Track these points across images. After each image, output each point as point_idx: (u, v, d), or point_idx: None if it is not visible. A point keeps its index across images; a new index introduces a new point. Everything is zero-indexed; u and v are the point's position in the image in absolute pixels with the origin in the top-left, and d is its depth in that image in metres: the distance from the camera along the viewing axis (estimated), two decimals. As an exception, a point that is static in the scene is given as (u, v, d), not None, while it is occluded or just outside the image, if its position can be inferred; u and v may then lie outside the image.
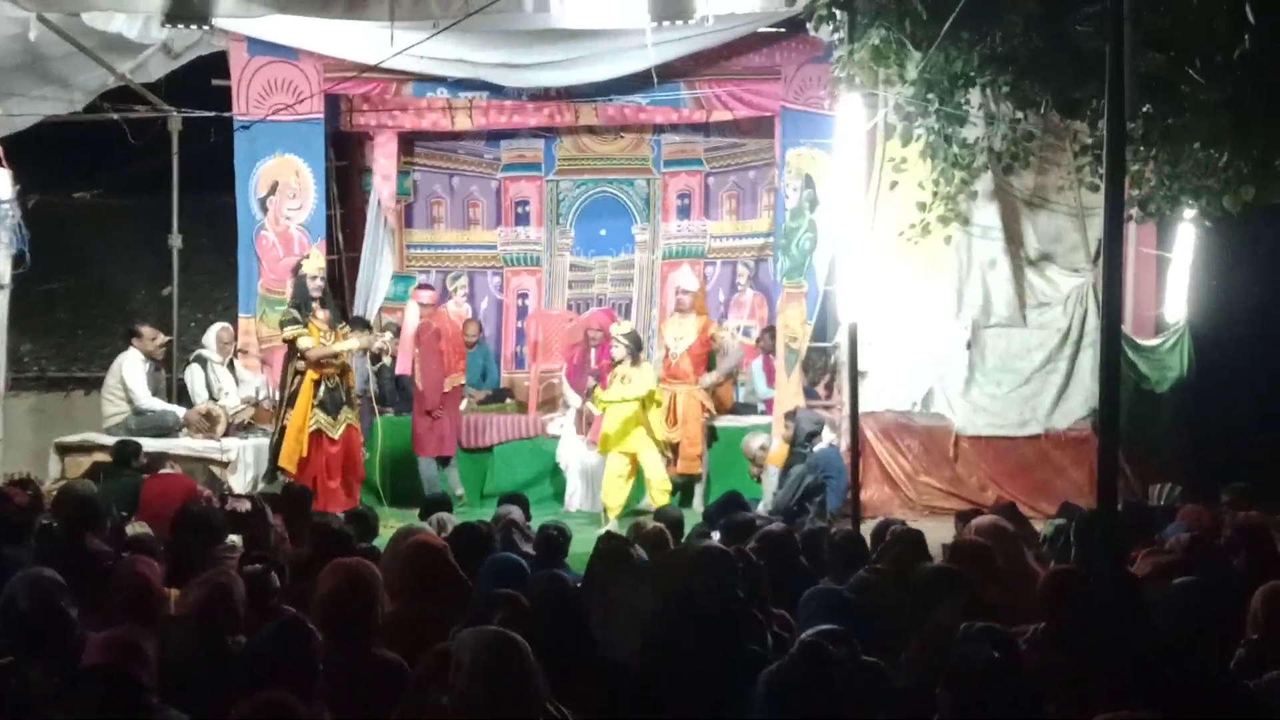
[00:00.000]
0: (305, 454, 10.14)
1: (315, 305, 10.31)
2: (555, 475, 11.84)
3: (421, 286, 12.74)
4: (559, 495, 11.68)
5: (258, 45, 11.81)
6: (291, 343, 10.21)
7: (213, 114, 12.14)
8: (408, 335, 11.86)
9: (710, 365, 11.88)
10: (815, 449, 10.08)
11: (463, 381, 11.94)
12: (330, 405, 10.25)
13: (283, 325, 10.36)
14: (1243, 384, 11.63)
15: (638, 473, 10.71)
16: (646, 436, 10.57)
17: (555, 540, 6.55)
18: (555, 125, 13.37)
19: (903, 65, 9.14)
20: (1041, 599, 5.11)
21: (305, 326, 10.19)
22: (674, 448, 11.25)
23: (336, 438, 10.26)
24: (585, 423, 11.42)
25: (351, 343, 10.29)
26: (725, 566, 5.11)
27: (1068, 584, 5.11)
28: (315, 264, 10.51)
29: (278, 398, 10.56)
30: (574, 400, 11.73)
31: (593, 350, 11.84)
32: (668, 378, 11.54)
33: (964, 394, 11.01)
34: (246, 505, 7.24)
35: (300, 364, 10.18)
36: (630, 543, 5.82)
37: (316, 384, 10.22)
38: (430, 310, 12.02)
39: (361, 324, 10.90)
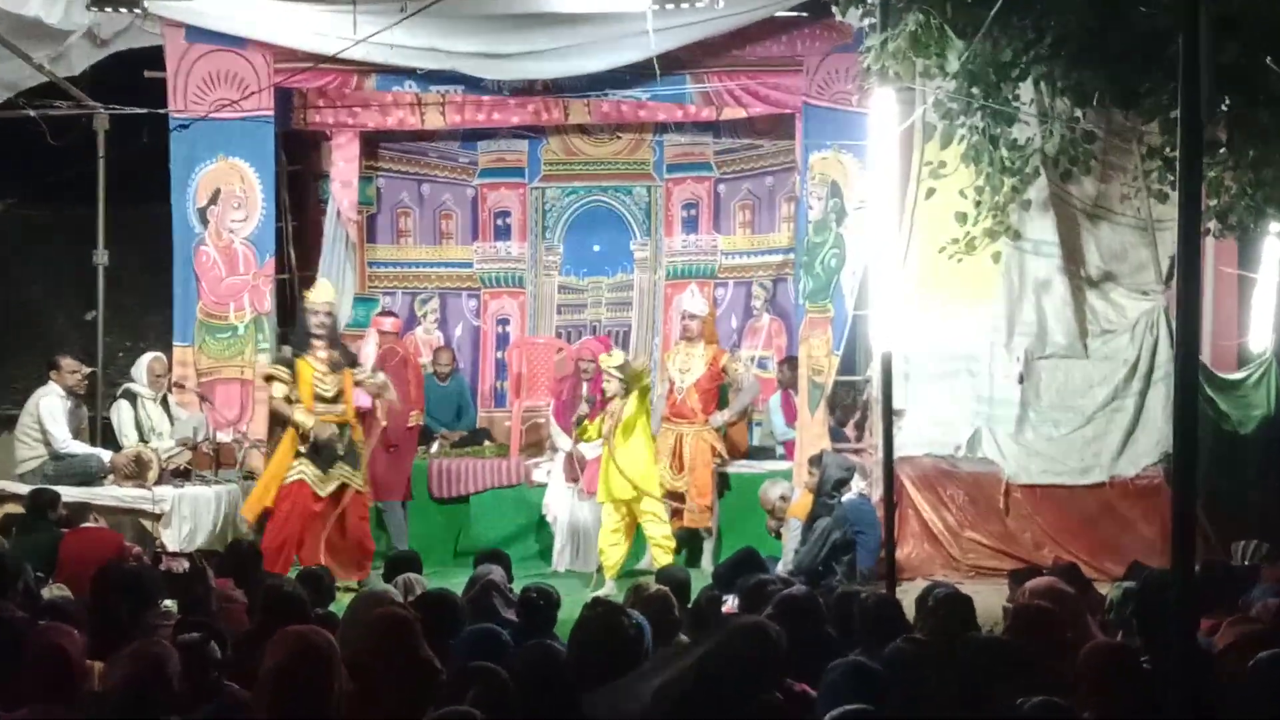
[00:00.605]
0: (271, 504, 10.21)
1: (316, 343, 10.43)
2: (541, 530, 11.84)
3: (384, 313, 12.79)
4: (545, 553, 11.67)
5: (197, 33, 11.85)
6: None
7: (145, 111, 12.16)
8: (365, 367, 11.87)
9: (722, 402, 11.87)
10: (844, 499, 10.06)
11: (421, 422, 11.95)
12: (321, 456, 10.29)
13: (276, 366, 10.58)
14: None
15: (638, 527, 10.71)
16: (647, 476, 10.58)
17: (539, 605, 6.53)
18: (541, 124, 13.43)
19: (944, 55, 9.16)
20: (1085, 680, 5.02)
21: (290, 372, 10.29)
22: (679, 497, 11.24)
23: (324, 495, 10.28)
24: (577, 468, 11.41)
25: (306, 420, 10.25)
26: (768, 655, 4.93)
27: (1116, 660, 5.06)
28: (321, 295, 10.65)
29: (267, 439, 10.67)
30: (563, 443, 11.72)
31: (585, 384, 11.84)
32: (672, 416, 11.55)
33: (1016, 436, 11.00)
34: (183, 564, 7.23)
35: (295, 405, 10.29)
36: (622, 610, 5.79)
37: (305, 431, 10.28)
38: (393, 339, 12.06)
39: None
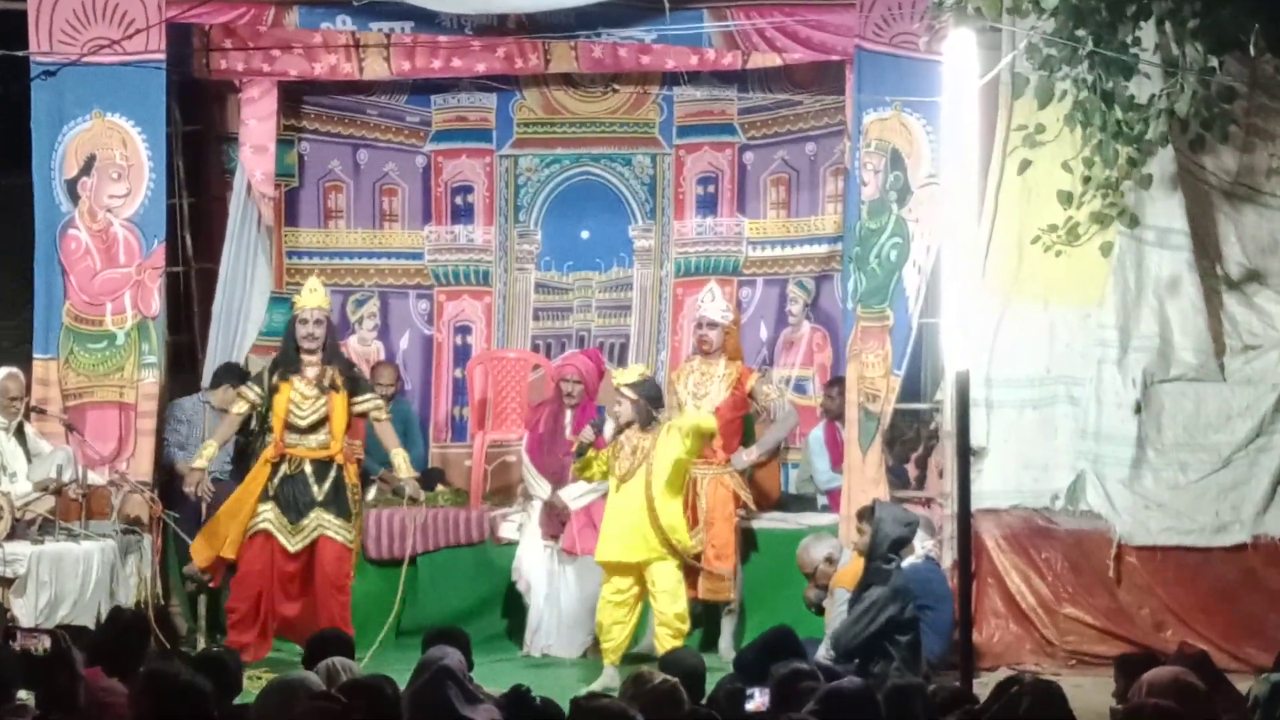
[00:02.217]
0: (222, 553, 10.61)
1: (307, 359, 10.86)
2: (510, 601, 11.86)
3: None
4: (515, 632, 11.71)
5: (66, -52, 11.91)
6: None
7: (-2, 53, 12.21)
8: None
9: (747, 436, 11.88)
10: (904, 564, 10.06)
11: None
12: (290, 502, 10.65)
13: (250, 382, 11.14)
14: None
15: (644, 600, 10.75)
16: (661, 540, 10.59)
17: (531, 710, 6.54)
18: (514, 72, 13.43)
19: (1041, -15, 9.23)
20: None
21: (263, 388, 10.75)
22: (692, 559, 11.21)
23: (294, 551, 10.56)
24: (558, 522, 11.39)
25: (198, 460, 10.76)
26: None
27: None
28: (311, 299, 11.05)
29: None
30: (540, 489, 11.71)
31: (569, 412, 11.84)
32: (685, 454, 11.54)
33: (1131, 483, 11.00)
34: (44, 644, 7.22)
35: (267, 434, 10.69)
36: (623, 710, 5.80)
37: (274, 467, 10.55)
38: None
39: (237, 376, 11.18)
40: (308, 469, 10.75)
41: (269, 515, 10.63)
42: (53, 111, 11.98)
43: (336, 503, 10.76)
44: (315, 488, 10.67)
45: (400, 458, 11.31)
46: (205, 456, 11.17)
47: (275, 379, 10.93)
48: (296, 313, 11.09)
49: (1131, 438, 11.02)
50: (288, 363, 10.96)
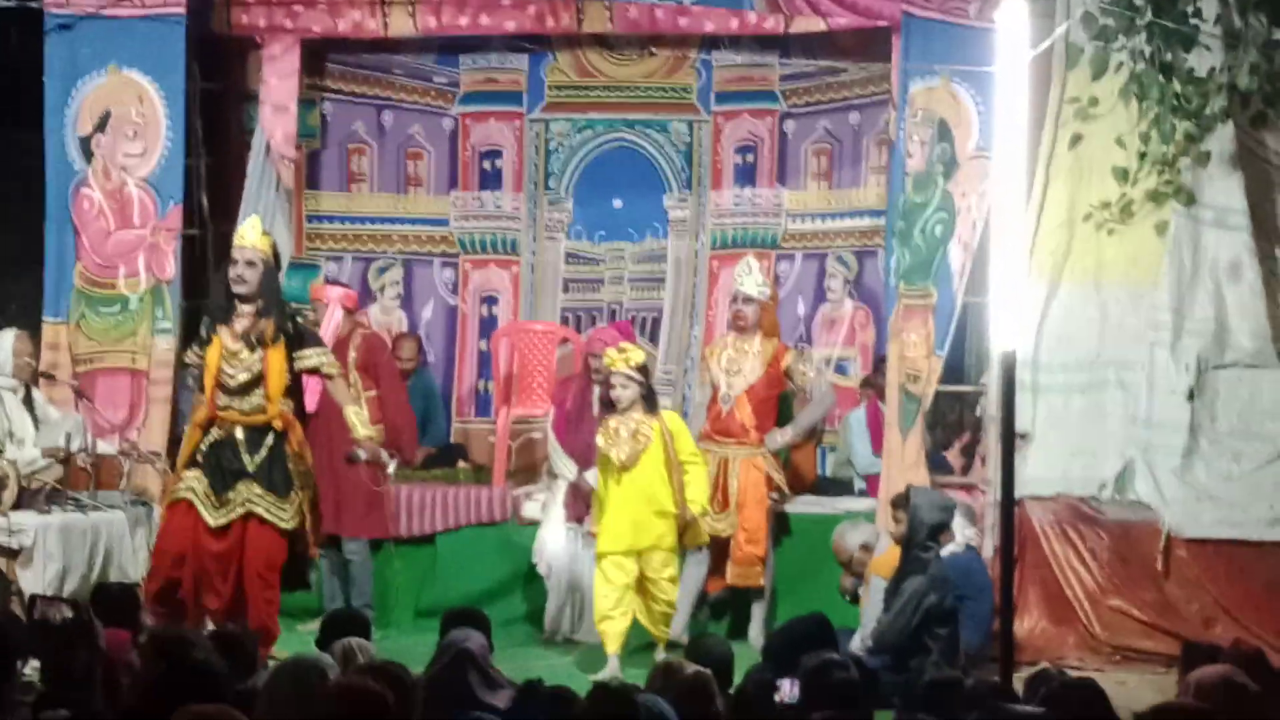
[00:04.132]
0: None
1: (243, 308, 10.02)
2: (532, 583, 11.87)
3: (331, 282, 12.78)
4: (536, 615, 11.74)
5: (84, -104, 11.95)
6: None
7: (12, 2, 12.20)
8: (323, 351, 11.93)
9: (784, 416, 11.89)
10: (944, 552, 10.07)
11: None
12: (216, 471, 9.89)
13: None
14: None
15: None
16: (670, 529, 10.60)
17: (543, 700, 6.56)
18: (546, 32, 13.40)
19: (1097, -48, 9.21)
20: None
21: (201, 346, 10.08)
22: (722, 544, 11.25)
23: (215, 526, 9.83)
24: (583, 503, 11.41)
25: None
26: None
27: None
28: (247, 236, 10.22)
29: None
30: (566, 469, 11.73)
31: (597, 389, 11.84)
32: (716, 434, 11.53)
33: (1182, 472, 10.99)
34: (64, 613, 7.24)
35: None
36: (638, 699, 5.80)
37: (203, 430, 9.98)
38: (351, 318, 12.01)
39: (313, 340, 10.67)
40: (239, 435, 9.91)
41: (192, 483, 9.82)
42: (67, 65, 12.07)
43: (270, 476, 9.89)
44: (246, 457, 9.86)
45: (355, 416, 10.44)
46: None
47: (206, 332, 10.09)
48: (233, 253, 10.21)
49: (1184, 425, 11.00)
50: (218, 312, 10.15)
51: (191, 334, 10.58)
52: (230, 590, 9.91)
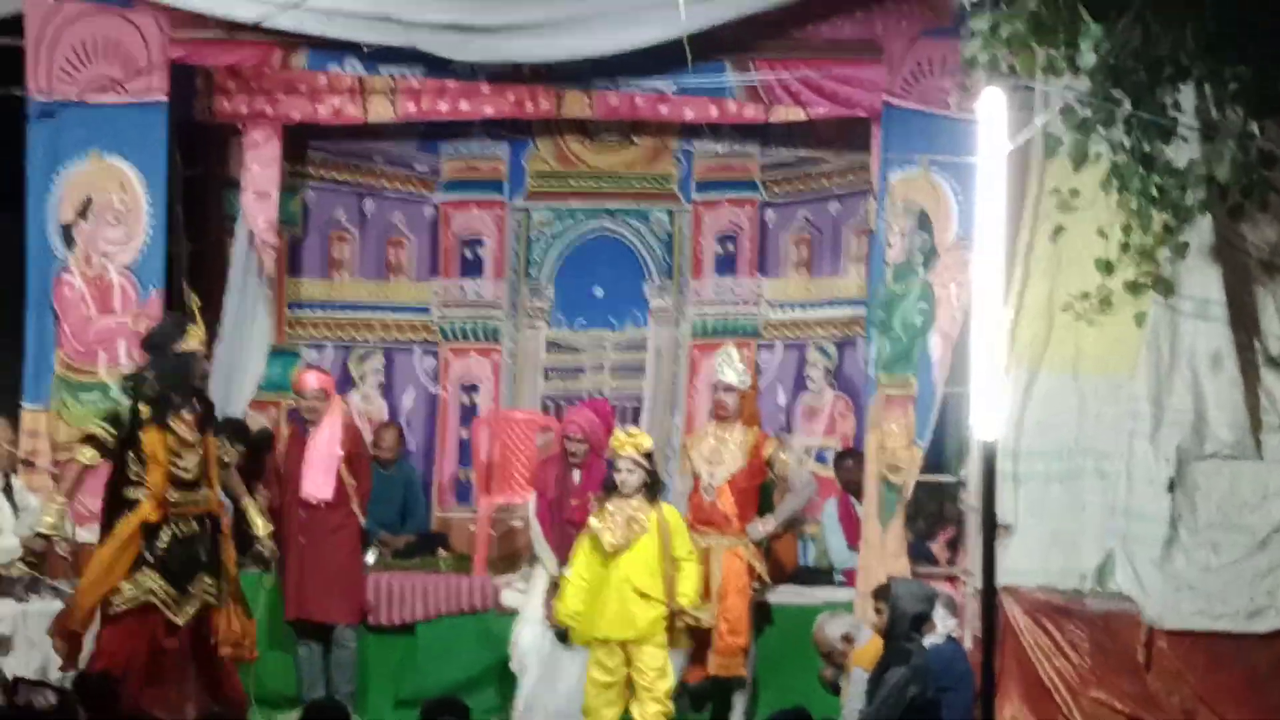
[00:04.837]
0: (84, 628, 10.04)
1: (187, 404, 10.23)
2: (508, 675, 11.81)
3: (311, 368, 12.83)
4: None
5: (70, -15, 12.01)
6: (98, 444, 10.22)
7: (-5, 90, 12.30)
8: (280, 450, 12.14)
9: (765, 506, 11.90)
10: (926, 642, 10.09)
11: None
12: (178, 565, 10.00)
13: (103, 417, 10.40)
14: None
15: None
16: (658, 619, 10.59)
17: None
18: (526, 117, 13.48)
19: (1075, 44, 9.27)
20: None
21: (122, 429, 10.10)
22: (703, 635, 11.23)
23: (181, 623, 10.01)
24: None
25: (48, 516, 10.18)
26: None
27: None
28: (201, 333, 10.53)
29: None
30: (548, 561, 11.67)
31: (575, 472, 11.83)
32: (698, 524, 11.46)
33: (1162, 564, 11.00)
34: (49, 699, 7.24)
35: (134, 488, 10.08)
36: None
37: (153, 529, 10.00)
38: (324, 407, 12.06)
39: (236, 431, 10.83)
40: (194, 528, 10.10)
41: (150, 585, 9.91)
42: (49, 152, 12.12)
43: (212, 564, 10.16)
44: (200, 550, 10.09)
45: (253, 509, 10.78)
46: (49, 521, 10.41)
47: (146, 419, 10.10)
48: (192, 349, 10.37)
49: (1164, 516, 10.99)
50: (168, 404, 10.14)
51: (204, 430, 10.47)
52: (171, 682, 10.08)
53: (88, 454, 10.21)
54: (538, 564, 11.89)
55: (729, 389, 11.73)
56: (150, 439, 10.08)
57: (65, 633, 10.04)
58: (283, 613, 11.86)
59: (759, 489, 11.81)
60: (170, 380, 10.25)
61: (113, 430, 10.20)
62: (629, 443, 10.75)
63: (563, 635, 11.00)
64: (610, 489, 10.76)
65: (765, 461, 11.69)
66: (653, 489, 10.70)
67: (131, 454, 10.13)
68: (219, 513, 10.41)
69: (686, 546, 10.73)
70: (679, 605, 10.53)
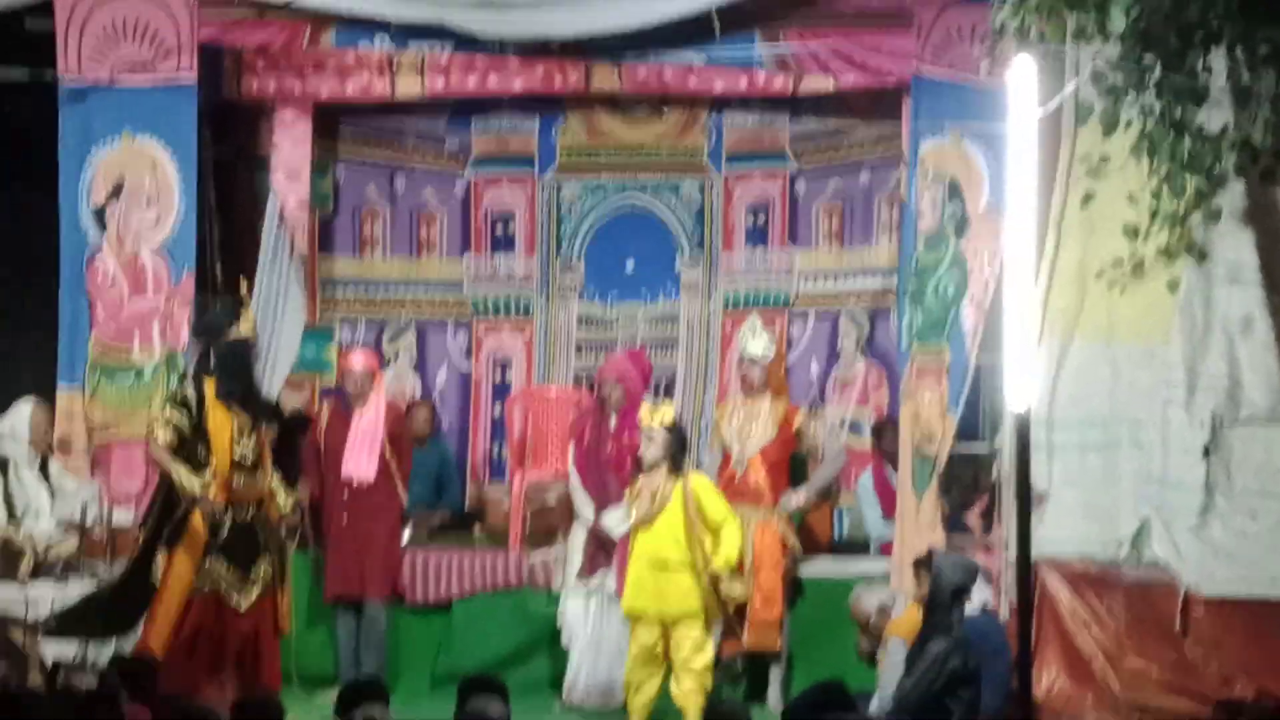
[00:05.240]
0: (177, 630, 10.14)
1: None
2: (552, 648, 11.89)
3: (356, 348, 12.95)
4: (557, 681, 11.73)
5: (97, -33, 12.03)
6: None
7: (26, 71, 12.28)
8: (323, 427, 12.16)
9: (798, 477, 11.90)
10: (967, 613, 10.09)
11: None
12: (240, 553, 10.21)
13: (170, 402, 10.46)
14: None
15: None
16: (691, 593, 10.58)
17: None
18: (555, 92, 13.41)
19: (1105, 9, 9.24)
20: None
21: (192, 413, 10.21)
22: (738, 610, 11.23)
23: (244, 610, 10.21)
24: (603, 552, 11.39)
25: (191, 482, 10.11)
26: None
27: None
28: (251, 319, 10.79)
29: (142, 526, 10.57)
30: (585, 509, 11.71)
31: (612, 417, 11.81)
32: (730, 497, 11.42)
33: (1199, 531, 10.98)
34: (89, 682, 7.28)
35: (201, 471, 10.17)
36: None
37: (215, 514, 10.19)
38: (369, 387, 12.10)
39: (272, 411, 10.89)
40: (253, 513, 10.39)
41: (216, 571, 10.19)
42: (81, 135, 12.15)
43: (270, 549, 10.47)
44: (260, 535, 10.37)
45: (277, 484, 10.84)
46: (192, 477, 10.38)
47: (211, 403, 10.40)
48: (244, 335, 10.69)
49: (1199, 483, 10.99)
50: (230, 390, 10.47)
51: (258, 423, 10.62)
52: (240, 668, 10.33)
53: (164, 436, 10.29)
54: (575, 526, 11.90)
55: (754, 361, 11.80)
56: (216, 421, 10.30)
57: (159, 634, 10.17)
58: (321, 591, 11.92)
59: (790, 461, 11.84)
60: (228, 365, 10.48)
61: (185, 414, 10.35)
62: (652, 415, 10.74)
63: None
64: (639, 465, 10.75)
65: (795, 433, 11.71)
66: (677, 460, 10.66)
67: (198, 438, 10.32)
68: (273, 495, 10.61)
69: (721, 510, 10.63)
70: (714, 569, 10.48)
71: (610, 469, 11.56)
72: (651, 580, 10.56)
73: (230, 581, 10.23)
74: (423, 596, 12.17)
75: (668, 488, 10.59)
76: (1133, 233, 10.58)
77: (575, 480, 11.93)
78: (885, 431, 12.44)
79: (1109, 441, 11.11)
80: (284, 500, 10.78)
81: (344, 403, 12.21)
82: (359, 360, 12.24)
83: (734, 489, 11.56)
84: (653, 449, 10.63)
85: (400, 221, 14.16)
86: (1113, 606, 11.00)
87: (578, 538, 11.80)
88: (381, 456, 11.92)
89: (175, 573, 10.25)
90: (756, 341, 11.84)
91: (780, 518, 11.62)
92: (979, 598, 10.27)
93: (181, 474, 10.16)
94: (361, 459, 11.89)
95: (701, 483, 10.78)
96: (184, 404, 10.42)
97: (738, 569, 10.88)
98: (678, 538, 10.54)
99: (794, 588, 11.71)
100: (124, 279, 12.11)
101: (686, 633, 10.55)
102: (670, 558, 10.54)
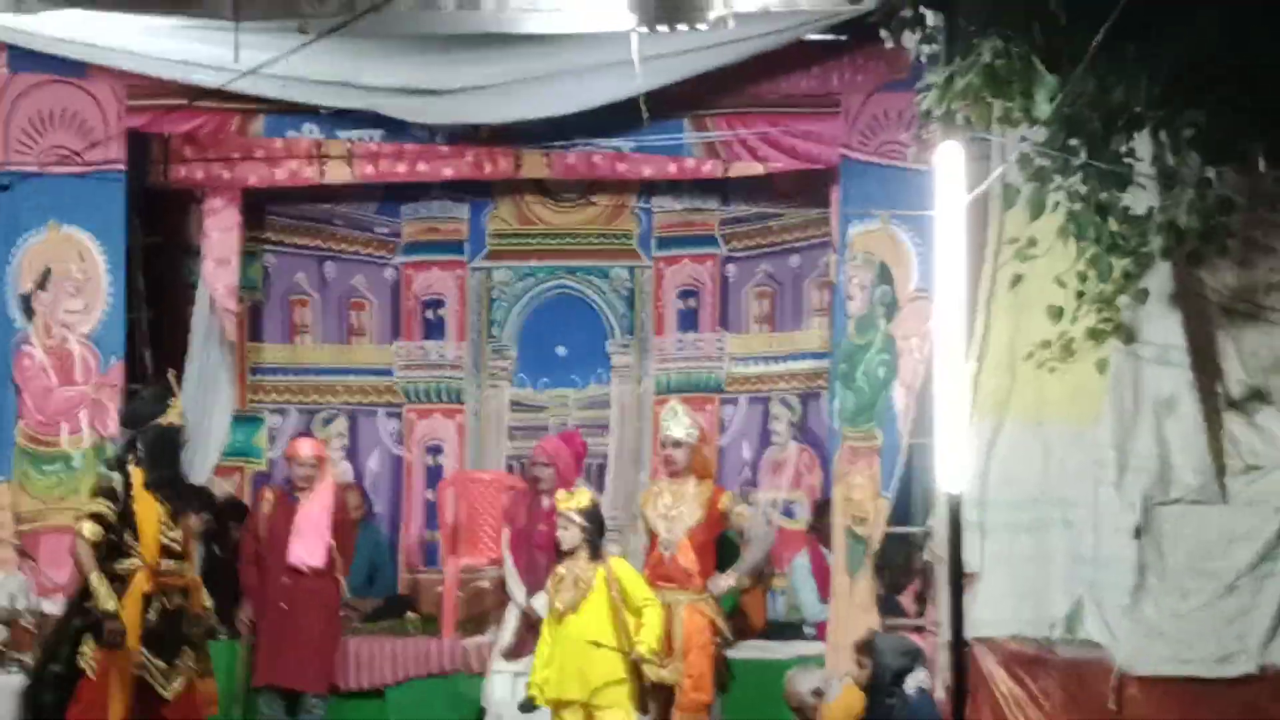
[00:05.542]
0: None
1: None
2: (485, 733, 11.80)
3: (304, 436, 13.00)
4: (489, 767, 11.65)
5: (24, 57, 12.01)
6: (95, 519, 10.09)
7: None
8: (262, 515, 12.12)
9: (726, 560, 11.86)
10: (908, 692, 10.09)
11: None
12: (165, 641, 10.03)
13: (97, 492, 10.32)
14: None
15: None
16: (617, 675, 10.52)
17: None
18: (484, 178, 13.53)
19: (1030, 95, 9.29)
20: None
21: (119, 502, 10.05)
22: (665, 693, 11.16)
23: (170, 697, 10.02)
24: (534, 636, 11.33)
25: (105, 597, 9.80)
26: None
27: None
28: (179, 407, 10.50)
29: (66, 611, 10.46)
30: (517, 592, 11.71)
31: (544, 498, 11.78)
32: (657, 581, 11.36)
33: (1131, 610, 10.98)
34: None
35: (127, 560, 10.09)
36: None
37: (145, 600, 10.00)
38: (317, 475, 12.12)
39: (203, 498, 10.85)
40: (179, 601, 10.13)
41: (143, 659, 9.91)
42: (7, 223, 12.11)
43: (191, 639, 10.22)
44: (184, 623, 10.13)
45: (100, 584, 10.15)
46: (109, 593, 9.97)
47: (138, 490, 10.07)
48: (173, 422, 10.33)
49: (1131, 563, 10.97)
50: (159, 479, 10.13)
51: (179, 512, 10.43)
52: None
53: (90, 529, 10.00)
54: (509, 607, 11.86)
55: (678, 444, 11.74)
56: (144, 509, 10.08)
57: None
58: (248, 678, 11.83)
59: (717, 542, 11.80)
60: (156, 453, 10.27)
61: (111, 504, 10.09)
62: (568, 500, 10.71)
63: (527, 706, 10.75)
64: (559, 552, 10.72)
65: (721, 514, 11.69)
66: (595, 545, 10.63)
67: (124, 526, 10.08)
68: (193, 585, 10.39)
69: (644, 593, 10.59)
70: (639, 654, 10.42)
71: (542, 550, 11.51)
72: (575, 664, 10.47)
73: (156, 669, 10.04)
74: (356, 683, 12.10)
75: (589, 573, 10.54)
76: (1058, 314, 10.62)
77: (509, 563, 11.93)
78: (825, 512, 12.43)
79: (1041, 521, 11.10)
80: (205, 596, 10.53)
81: (288, 490, 12.17)
82: (307, 448, 12.27)
83: (662, 571, 11.52)
84: (570, 534, 10.58)
85: (330, 308, 14.14)
86: (1047, 686, 10.98)
87: (510, 618, 11.77)
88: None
89: (101, 661, 9.97)
90: (678, 424, 11.80)
91: (709, 601, 11.56)
92: (915, 679, 10.27)
93: (100, 590, 9.85)
94: (310, 545, 11.88)
95: (622, 566, 10.73)
96: (110, 494, 10.18)
97: (666, 652, 10.88)
98: (602, 620, 10.49)
99: (726, 670, 11.64)
100: (52, 368, 12.05)
101: (612, 718, 10.51)
102: (597, 635, 10.48)
